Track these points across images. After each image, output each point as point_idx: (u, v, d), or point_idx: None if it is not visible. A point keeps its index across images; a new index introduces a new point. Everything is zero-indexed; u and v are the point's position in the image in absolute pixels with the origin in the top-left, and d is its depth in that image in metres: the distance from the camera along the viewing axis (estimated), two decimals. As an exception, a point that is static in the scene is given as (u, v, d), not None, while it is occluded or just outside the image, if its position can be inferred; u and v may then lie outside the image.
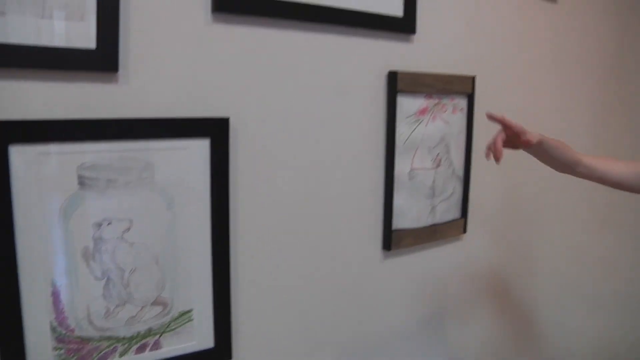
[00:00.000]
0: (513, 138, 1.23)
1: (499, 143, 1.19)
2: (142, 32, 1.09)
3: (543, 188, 2.13)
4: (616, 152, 2.30)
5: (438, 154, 1.63)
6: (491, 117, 1.22)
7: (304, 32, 1.32)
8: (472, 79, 1.70)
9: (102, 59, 1.03)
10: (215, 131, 1.18)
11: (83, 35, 1.01)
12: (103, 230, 1.07)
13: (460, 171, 1.73)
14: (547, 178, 2.11)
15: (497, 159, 1.18)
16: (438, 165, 1.64)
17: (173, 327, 1.19)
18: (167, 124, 1.13)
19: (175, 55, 1.14)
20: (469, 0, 1.72)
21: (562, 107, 2.14)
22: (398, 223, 1.56)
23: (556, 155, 1.31)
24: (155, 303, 1.15)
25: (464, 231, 1.79)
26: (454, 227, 1.74)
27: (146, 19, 1.09)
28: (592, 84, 2.28)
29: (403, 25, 1.49)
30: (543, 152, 1.30)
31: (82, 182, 1.03)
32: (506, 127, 1.22)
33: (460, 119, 1.70)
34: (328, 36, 1.36)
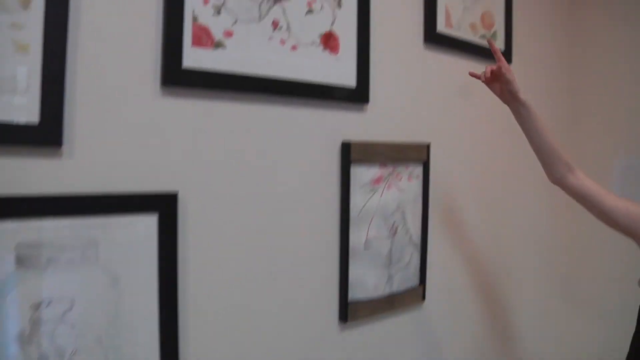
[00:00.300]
0: (499, 75, 1.40)
1: (489, 68, 1.42)
2: (89, 105, 1.07)
3: (503, 252, 2.13)
4: (573, 214, 2.32)
5: (394, 222, 1.63)
6: (490, 43, 1.46)
7: (255, 104, 1.32)
8: (427, 147, 1.72)
9: (45, 134, 1.01)
10: (163, 206, 1.16)
11: (26, 109, 0.99)
12: (42, 312, 1.01)
13: (417, 238, 1.72)
14: (504, 242, 2.12)
15: (485, 74, 1.42)
16: (394, 234, 1.63)
17: (116, 412, 1.13)
18: (113, 199, 1.10)
19: (123, 128, 1.12)
20: (421, 68, 1.75)
21: (518, 171, 2.17)
22: (354, 294, 1.53)
23: (542, 140, 1.41)
24: (97, 386, 1.10)
25: (423, 298, 1.77)
26: (412, 295, 1.72)
27: (93, 91, 1.08)
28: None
29: (356, 95, 1.51)
30: (528, 123, 1.41)
31: (20, 261, 0.99)
32: (497, 59, 1.42)
33: (416, 185, 1.70)
34: (280, 108, 1.36)
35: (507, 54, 2.11)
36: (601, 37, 2.40)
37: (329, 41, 1.43)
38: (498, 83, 1.43)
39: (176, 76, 1.18)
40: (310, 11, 1.40)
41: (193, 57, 1.20)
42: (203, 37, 1.22)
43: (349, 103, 1.50)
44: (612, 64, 2.36)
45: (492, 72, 1.41)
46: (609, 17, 2.38)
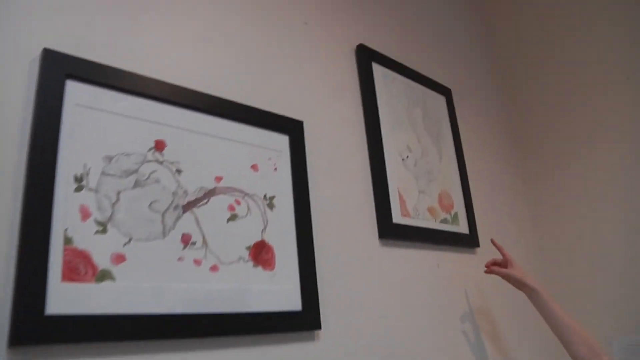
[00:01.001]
0: (504, 263, 1.58)
1: (490, 262, 1.60)
2: None
3: None
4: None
5: None
6: (493, 243, 1.64)
7: (160, 354, 0.92)
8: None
9: None
10: None
11: None
12: None
13: None
14: None
15: (486, 267, 1.60)
16: None
17: None
18: None
19: None
20: (380, 270, 1.42)
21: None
22: None
23: (558, 322, 1.40)
24: None
25: None
26: None
27: None
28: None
29: (304, 321, 1.13)
30: (540, 307, 1.45)
31: None
32: (501, 253, 1.60)
33: None
34: (198, 353, 0.97)
35: (473, 238, 1.83)
36: (570, 225, 2.17)
37: (260, 254, 1.09)
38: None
39: (35, 333, 0.80)
40: (233, 217, 1.07)
41: (63, 298, 0.84)
42: (80, 267, 0.87)
43: (294, 332, 1.12)
44: (588, 259, 2.10)
45: (489, 269, 1.58)
46: (572, 206, 2.17)
